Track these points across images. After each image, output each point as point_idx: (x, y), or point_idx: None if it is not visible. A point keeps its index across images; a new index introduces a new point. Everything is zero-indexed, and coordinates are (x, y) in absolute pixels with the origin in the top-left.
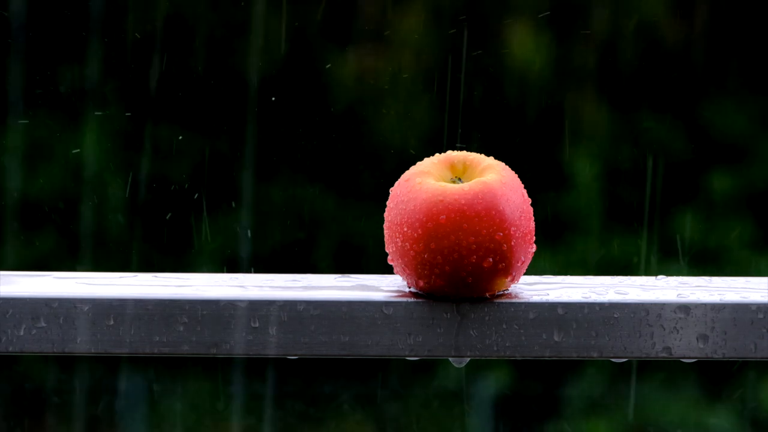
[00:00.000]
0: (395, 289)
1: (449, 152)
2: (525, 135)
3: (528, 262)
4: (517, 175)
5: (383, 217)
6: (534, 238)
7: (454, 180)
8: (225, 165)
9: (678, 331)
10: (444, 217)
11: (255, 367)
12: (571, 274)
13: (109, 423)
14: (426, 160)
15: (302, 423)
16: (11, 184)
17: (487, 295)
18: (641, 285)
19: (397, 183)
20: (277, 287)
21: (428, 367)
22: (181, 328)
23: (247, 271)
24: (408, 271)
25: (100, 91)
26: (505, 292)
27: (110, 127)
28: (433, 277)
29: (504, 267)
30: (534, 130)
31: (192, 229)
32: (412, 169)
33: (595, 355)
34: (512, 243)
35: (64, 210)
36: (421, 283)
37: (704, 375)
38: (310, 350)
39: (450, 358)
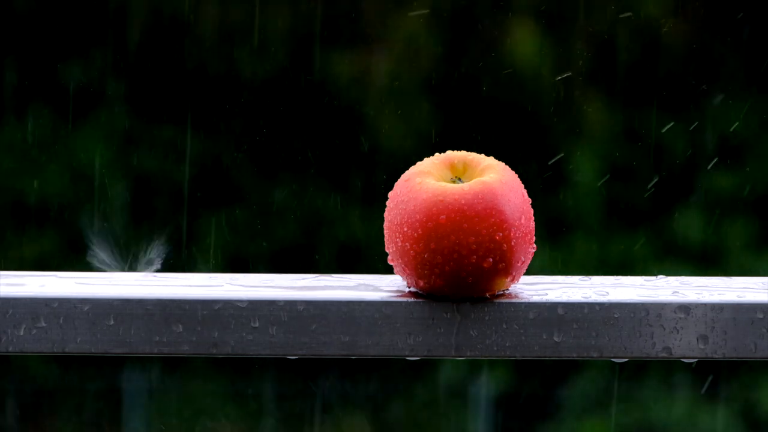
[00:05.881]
0: (395, 289)
1: (449, 152)
2: (525, 134)
3: (528, 262)
4: (517, 175)
5: (383, 217)
6: (534, 238)
7: (454, 180)
8: (225, 165)
9: (678, 331)
10: (444, 217)
11: (255, 366)
12: (571, 274)
13: (110, 423)
14: (426, 160)
15: (302, 423)
16: (11, 183)
17: (487, 295)
18: (641, 285)
19: (397, 183)
20: (277, 287)
21: (428, 366)
22: (181, 328)
23: (248, 271)
24: (408, 271)
25: (101, 90)
26: (505, 292)
27: (111, 127)
28: (433, 277)
29: (504, 267)
30: (534, 130)
31: (192, 229)
32: (412, 169)
33: (595, 355)
34: (512, 243)
35: (64, 209)
36: (421, 283)
37: (704, 375)
38: (310, 350)
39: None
